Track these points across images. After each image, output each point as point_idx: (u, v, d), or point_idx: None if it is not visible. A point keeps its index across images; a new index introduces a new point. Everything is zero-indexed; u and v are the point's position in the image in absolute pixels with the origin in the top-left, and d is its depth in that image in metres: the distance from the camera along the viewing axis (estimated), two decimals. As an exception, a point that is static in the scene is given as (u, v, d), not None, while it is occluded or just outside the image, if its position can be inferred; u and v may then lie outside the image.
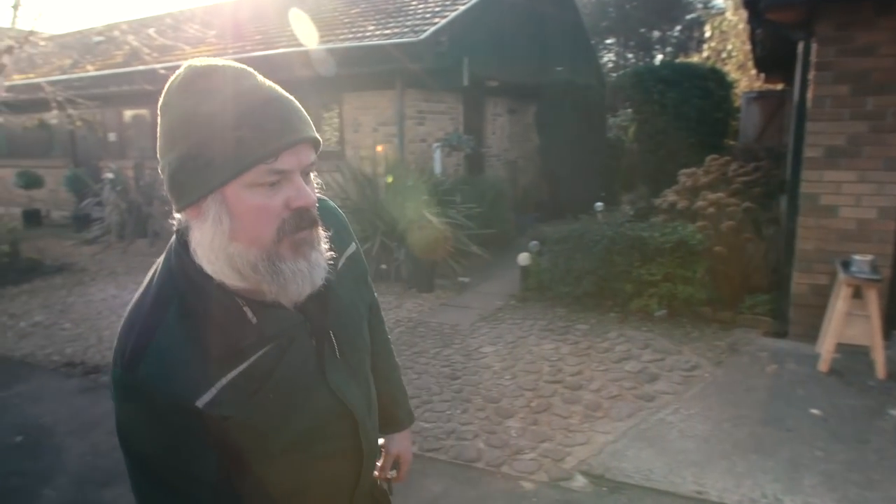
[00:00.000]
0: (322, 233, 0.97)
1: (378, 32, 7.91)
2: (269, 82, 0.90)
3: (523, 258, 6.02)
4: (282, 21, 9.57)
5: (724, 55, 12.75)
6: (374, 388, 1.19)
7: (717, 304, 5.06)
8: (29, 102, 9.46)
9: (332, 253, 1.00)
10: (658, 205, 6.32)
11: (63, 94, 8.60)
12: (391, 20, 8.27)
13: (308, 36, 8.44)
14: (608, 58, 28.97)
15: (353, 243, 1.19)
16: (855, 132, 4.09)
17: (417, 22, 7.84)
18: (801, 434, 3.22)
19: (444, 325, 5.40)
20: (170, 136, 0.88)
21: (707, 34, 13.49)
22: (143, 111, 10.75)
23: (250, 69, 0.90)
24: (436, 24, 7.55)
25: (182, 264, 0.93)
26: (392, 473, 1.41)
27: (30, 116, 11.21)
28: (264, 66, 7.03)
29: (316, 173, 0.99)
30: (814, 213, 4.28)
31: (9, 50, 7.90)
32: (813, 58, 4.15)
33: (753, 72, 9.91)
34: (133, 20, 13.66)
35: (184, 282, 0.92)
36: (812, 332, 4.31)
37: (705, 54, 13.46)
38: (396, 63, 7.49)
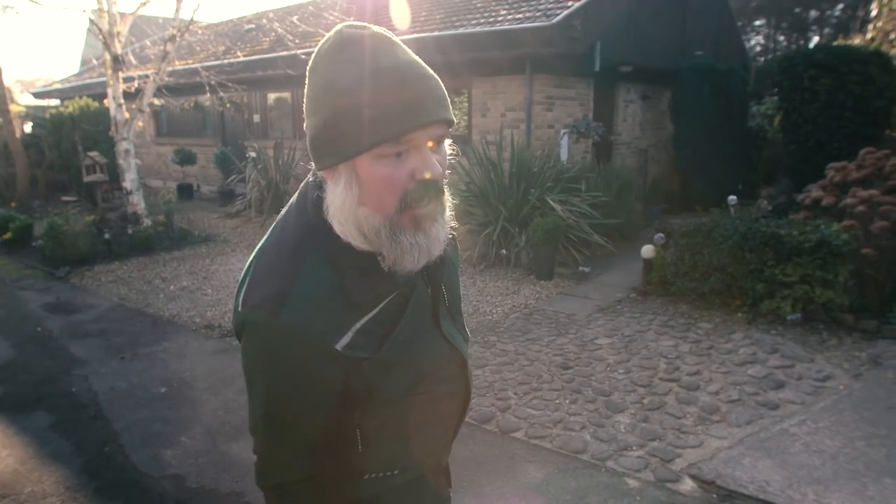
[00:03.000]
0: (447, 203, 1.01)
1: (510, 17, 7.91)
2: (409, 57, 0.94)
3: (647, 250, 5.85)
4: (417, 6, 9.83)
5: (892, 36, 11.41)
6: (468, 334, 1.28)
7: (861, 312, 4.64)
8: (187, 86, 10.43)
9: (454, 222, 1.05)
10: (800, 200, 5.86)
11: (216, 78, 9.43)
12: (524, 4, 8.23)
13: (440, 21, 8.62)
14: (756, 41, 26.86)
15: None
16: None
17: (550, 5, 7.74)
18: (948, 461, 2.93)
19: (560, 314, 5.39)
20: (313, 102, 0.95)
21: (873, 13, 12.12)
22: (286, 94, 11.52)
23: (394, 39, 0.94)
24: (569, 6, 7.42)
25: (321, 217, 0.98)
26: None
27: (187, 99, 12.38)
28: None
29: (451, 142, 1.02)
30: None
31: (172, 39, 8.76)
32: None
33: (927, 55, 8.81)
34: (279, 8, 14.63)
35: (323, 233, 0.98)
36: (974, 351, 3.86)
37: (869, 36, 12.11)
38: (527, 48, 7.47)
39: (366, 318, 0.97)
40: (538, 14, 7.61)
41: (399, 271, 0.98)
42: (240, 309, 0.98)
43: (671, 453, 3.14)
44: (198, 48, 13.25)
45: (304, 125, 0.97)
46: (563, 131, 8.24)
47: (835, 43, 10.14)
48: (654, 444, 3.23)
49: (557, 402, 3.73)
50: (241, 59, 10.69)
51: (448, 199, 1.02)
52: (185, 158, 12.73)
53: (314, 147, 0.95)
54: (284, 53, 10.07)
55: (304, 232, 0.99)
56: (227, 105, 12.06)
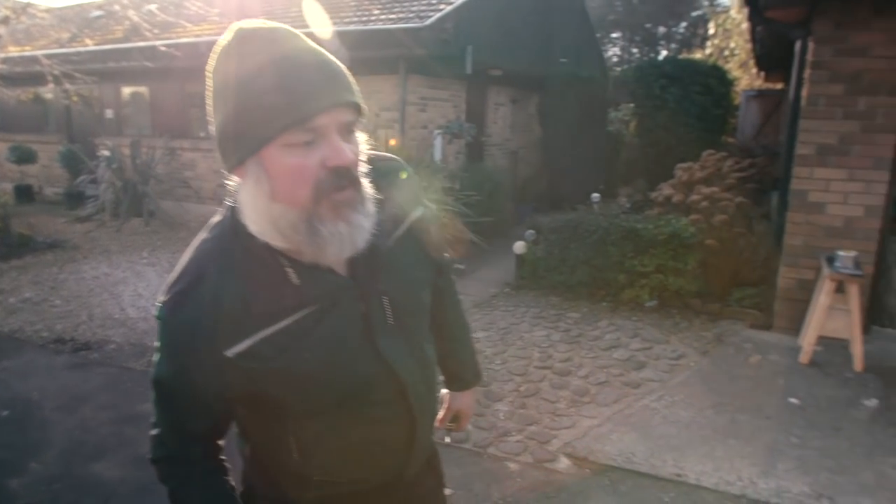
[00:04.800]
0: (369, 194, 0.97)
1: (383, 17, 7.92)
2: (310, 45, 0.91)
3: (519, 247, 6.09)
4: (287, 2, 9.56)
5: (726, 53, 12.77)
6: (431, 351, 1.20)
7: (707, 297, 5.14)
8: (25, 75, 9.42)
9: (380, 212, 0.99)
10: (654, 198, 6.38)
11: (60, 67, 8.57)
12: (397, 5, 8.27)
13: (312, 18, 8.44)
14: (613, 52, 28.96)
15: (422, 206, 1.18)
16: (846, 131, 4.15)
17: (423, 7, 7.84)
18: (779, 422, 3.32)
19: (437, 309, 5.46)
20: (214, 102, 0.92)
21: (711, 31, 13.50)
22: (142, 89, 10.73)
23: (294, 31, 0.92)
24: (441, 10, 7.56)
25: (235, 223, 0.97)
26: (451, 426, 1.50)
27: (25, 90, 11.14)
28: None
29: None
30: (803, 209, 4.35)
31: (5, 20, 7.87)
32: (809, 57, 4.20)
33: (755, 70, 9.95)
34: (136, -4, 13.60)
35: (233, 239, 0.96)
36: (796, 325, 4.41)
37: (708, 51, 13.48)
38: (400, 48, 7.51)
39: (271, 329, 0.94)
40: (411, 15, 7.68)
41: (322, 266, 0.96)
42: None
43: (547, 435, 3.30)
44: (37, 34, 11.99)
45: (211, 129, 0.94)
46: (436, 132, 8.37)
47: (680, 56, 11.14)
48: (532, 429, 3.38)
49: (438, 395, 3.78)
50: (92, 48, 9.83)
51: (368, 189, 0.97)
52: (24, 156, 11.47)
53: (221, 147, 0.93)
54: (141, 44, 9.37)
55: (219, 234, 0.99)
56: (74, 98, 10.99)
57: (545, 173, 10.73)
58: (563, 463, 3.05)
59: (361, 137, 0.97)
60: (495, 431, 3.35)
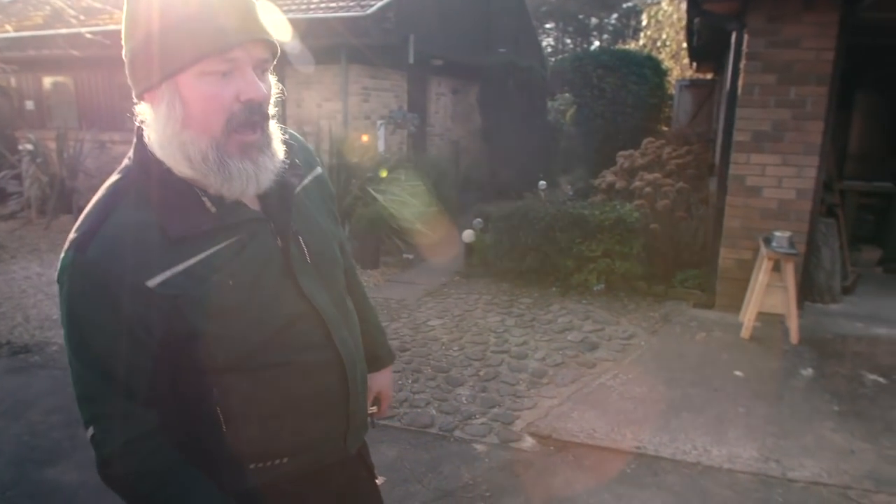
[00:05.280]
0: (275, 137, 1.01)
1: (323, 5, 7.80)
2: None
3: (468, 235, 6.15)
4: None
5: (658, 44, 13.21)
6: (352, 306, 1.20)
7: (652, 279, 5.35)
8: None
9: (288, 160, 1.05)
10: (597, 185, 6.58)
11: (-26, 55, 8.03)
12: (337, -7, 8.16)
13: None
14: (547, 42, 29.44)
15: (320, 167, 1.22)
16: (779, 118, 4.41)
17: (363, -4, 7.77)
18: (726, 393, 3.53)
19: (390, 300, 5.48)
20: (131, 24, 0.92)
21: (643, 23, 13.93)
22: (66, 78, 10.17)
23: None
24: (382, -1, 7.52)
25: (140, 156, 0.97)
26: (373, 409, 1.47)
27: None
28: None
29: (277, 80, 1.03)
30: (741, 193, 4.60)
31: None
32: (744, 48, 4.43)
33: (686, 61, 10.35)
34: (55, -20, 12.84)
35: (141, 172, 0.96)
36: (736, 303, 4.66)
37: (641, 42, 13.91)
38: (342, 37, 7.43)
39: (194, 260, 0.93)
40: (352, 4, 7.60)
41: (227, 198, 0.96)
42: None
43: (510, 416, 3.38)
44: (-55, 19, 11.17)
45: (123, 53, 0.94)
46: (380, 122, 8.34)
47: (615, 47, 11.45)
48: (495, 411, 3.45)
49: (400, 382, 3.81)
50: (10, 34, 9.25)
51: (276, 129, 1.02)
52: (-64, 151, 10.69)
53: (134, 69, 0.93)
54: (65, 31, 8.88)
55: (126, 171, 0.98)
56: (-10, 88, 10.36)
57: (487, 163, 10.84)
58: (528, 442, 3.14)
59: (273, 80, 1.01)
60: (459, 415, 3.41)
